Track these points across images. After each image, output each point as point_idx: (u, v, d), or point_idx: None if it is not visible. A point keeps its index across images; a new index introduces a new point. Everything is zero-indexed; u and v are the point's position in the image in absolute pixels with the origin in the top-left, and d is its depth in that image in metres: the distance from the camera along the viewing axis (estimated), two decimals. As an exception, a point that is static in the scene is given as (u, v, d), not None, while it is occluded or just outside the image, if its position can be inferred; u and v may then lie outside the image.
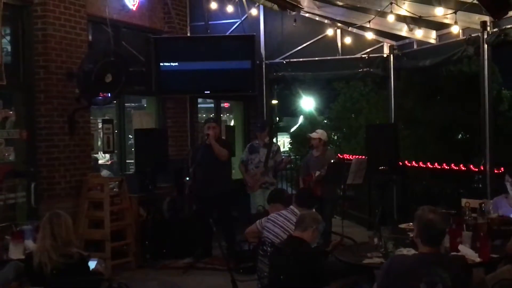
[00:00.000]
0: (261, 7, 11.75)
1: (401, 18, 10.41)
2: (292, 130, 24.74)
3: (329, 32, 11.64)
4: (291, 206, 6.56)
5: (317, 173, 9.43)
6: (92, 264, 5.42)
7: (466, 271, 4.51)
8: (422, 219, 4.35)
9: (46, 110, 8.59)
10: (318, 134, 10.01)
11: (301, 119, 25.15)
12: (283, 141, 25.40)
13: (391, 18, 9.89)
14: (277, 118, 22.70)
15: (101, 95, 8.85)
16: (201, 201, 9.40)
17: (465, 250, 5.56)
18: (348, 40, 11.64)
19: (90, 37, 9.45)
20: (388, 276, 4.38)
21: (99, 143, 10.34)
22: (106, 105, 9.82)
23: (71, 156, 8.84)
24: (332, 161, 9.62)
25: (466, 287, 4.34)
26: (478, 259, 5.41)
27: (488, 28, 9.15)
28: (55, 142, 8.64)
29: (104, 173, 10.50)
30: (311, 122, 20.81)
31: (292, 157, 15.38)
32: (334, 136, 17.61)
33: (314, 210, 6.58)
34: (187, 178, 8.89)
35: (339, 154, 13.56)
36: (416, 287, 4.18)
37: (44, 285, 4.22)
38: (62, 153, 8.71)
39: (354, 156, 12.40)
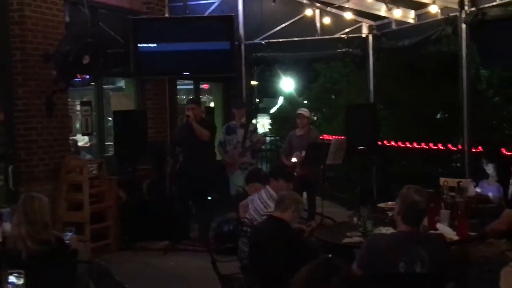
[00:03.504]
0: (240, -13, 11.71)
1: (379, -2, 10.42)
2: (272, 111, 24.69)
3: (308, 12, 11.61)
4: (267, 186, 6.58)
5: (303, 152, 9.41)
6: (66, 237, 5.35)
7: (444, 249, 4.55)
8: (407, 199, 4.40)
9: (24, 92, 8.51)
10: (307, 112, 10.03)
11: (281, 100, 25.10)
12: (263, 123, 25.38)
13: (369, -3, 9.89)
14: (257, 99, 22.67)
15: (79, 77, 8.78)
16: (183, 182, 9.40)
17: (443, 228, 5.60)
18: (327, 20, 11.62)
19: (67, 18, 9.34)
20: (368, 254, 4.42)
21: (78, 125, 10.28)
22: (84, 87, 9.75)
23: (50, 139, 8.77)
24: (311, 142, 9.62)
25: (444, 265, 4.36)
26: (456, 237, 5.46)
27: (466, 8, 9.16)
28: (33, 125, 8.57)
29: (84, 155, 10.43)
30: (291, 103, 20.77)
31: (271, 138, 15.40)
32: (314, 117, 17.61)
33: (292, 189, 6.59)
34: (168, 158, 8.89)
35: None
36: (395, 265, 4.22)
37: (21, 268, 4.19)
38: (40, 136, 8.65)
39: (334, 137, 12.41)
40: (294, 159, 9.45)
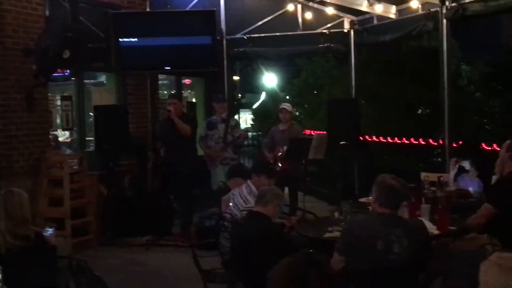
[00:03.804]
0: (222, -19, 11.69)
1: (361, -7, 10.44)
2: (254, 106, 24.71)
3: (290, 7, 11.61)
4: (249, 181, 6.57)
5: (285, 147, 9.41)
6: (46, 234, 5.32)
7: (424, 235, 4.60)
8: (382, 184, 4.53)
9: (3, 87, 8.45)
10: (290, 106, 10.04)
11: (263, 96, 25.15)
12: (246, 118, 25.39)
13: (351, -7, 9.90)
14: (239, 95, 22.68)
15: (60, 71, 8.73)
16: (164, 177, 9.37)
17: (424, 222, 5.61)
18: (308, 15, 11.64)
19: (47, 12, 9.27)
20: (348, 238, 4.50)
21: (58, 120, 10.22)
22: (65, 81, 9.68)
23: (30, 134, 8.72)
24: (293, 137, 9.62)
25: (424, 250, 4.47)
26: (436, 232, 5.47)
27: (447, 3, 9.20)
28: (13, 120, 8.52)
29: (65, 150, 10.37)
30: (273, 99, 20.79)
31: (254, 133, 15.39)
32: (296, 112, 17.63)
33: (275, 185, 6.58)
34: (150, 153, 8.86)
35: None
36: (373, 245, 4.30)
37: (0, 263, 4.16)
38: (20, 131, 8.59)
39: (316, 132, 12.43)
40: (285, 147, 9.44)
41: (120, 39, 10.39)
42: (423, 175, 6.95)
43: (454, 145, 9.49)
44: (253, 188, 6.42)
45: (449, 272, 5.30)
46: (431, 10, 9.48)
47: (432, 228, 5.50)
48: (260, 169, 6.81)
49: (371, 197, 6.33)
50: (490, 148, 9.89)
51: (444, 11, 9.21)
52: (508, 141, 5.70)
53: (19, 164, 8.58)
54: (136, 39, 10.48)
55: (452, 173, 7.52)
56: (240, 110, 22.64)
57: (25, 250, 4.86)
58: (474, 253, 5.26)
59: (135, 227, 9.42)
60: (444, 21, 9.25)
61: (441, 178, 6.72)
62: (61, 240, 6.11)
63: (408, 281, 4.42)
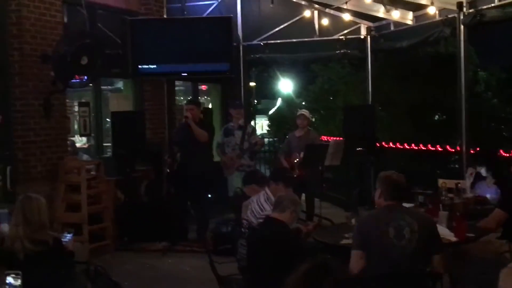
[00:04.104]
0: (239, -12, 11.73)
1: (378, -1, 10.43)
2: (270, 112, 24.71)
3: (307, 13, 11.63)
4: (266, 189, 6.55)
5: (302, 154, 9.40)
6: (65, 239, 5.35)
7: (431, 221, 4.82)
8: (386, 179, 4.74)
9: (21, 93, 8.50)
10: (308, 113, 10.05)
11: (279, 102, 25.13)
12: (262, 124, 25.40)
13: (368, -1, 9.90)
14: (255, 101, 22.69)
15: (77, 77, 8.77)
16: (180, 181, 9.38)
17: (441, 229, 5.59)
18: (325, 21, 11.65)
19: (65, 19, 9.34)
20: (361, 232, 4.63)
21: (76, 126, 10.27)
22: (82, 88, 9.73)
23: (47, 139, 8.76)
24: (309, 143, 9.61)
25: (432, 235, 4.60)
26: (454, 238, 5.45)
27: (464, 9, 9.18)
28: (31, 125, 8.56)
29: (83, 156, 10.41)
30: (289, 105, 20.78)
31: (269, 139, 15.37)
32: (312, 118, 17.60)
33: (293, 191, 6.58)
34: (166, 158, 8.88)
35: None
36: (385, 232, 4.47)
37: (18, 269, 4.18)
38: (38, 136, 8.64)
39: (331, 138, 12.42)
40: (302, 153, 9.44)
41: (137, 46, 10.44)
42: (440, 181, 6.93)
43: (472, 151, 9.44)
44: (271, 195, 6.39)
45: (464, 277, 5.31)
46: (449, 16, 9.47)
47: (449, 235, 5.48)
48: (278, 177, 6.79)
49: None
50: (507, 155, 9.84)
51: (461, 17, 9.19)
52: None
53: (37, 170, 8.62)
54: (153, 46, 10.53)
55: (468, 182, 7.49)
56: (256, 116, 22.66)
57: (43, 255, 4.89)
58: (492, 260, 5.25)
59: (152, 232, 9.43)
60: (462, 27, 9.23)
61: (459, 185, 6.69)
62: (79, 246, 6.14)
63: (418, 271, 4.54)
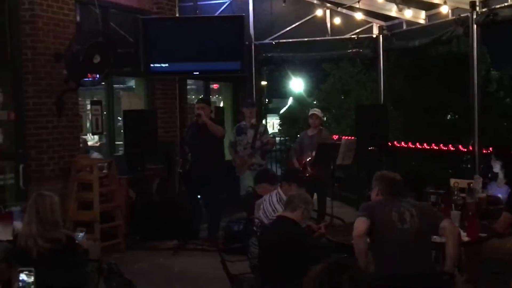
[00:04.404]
0: (251, -13, 11.73)
1: (390, -2, 10.41)
2: (281, 111, 24.69)
3: (319, 12, 11.61)
4: (279, 189, 6.53)
5: (314, 153, 9.40)
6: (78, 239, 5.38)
7: (428, 206, 5.29)
8: (383, 177, 5.04)
9: (34, 92, 8.53)
10: (320, 112, 10.04)
11: (290, 101, 25.11)
12: (273, 123, 25.38)
13: (380, -2, 9.87)
14: (267, 100, 22.66)
15: (89, 76, 8.79)
16: (192, 180, 9.40)
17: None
18: (337, 20, 11.63)
19: (78, 18, 9.37)
20: (367, 209, 4.90)
21: (88, 124, 10.30)
22: (95, 86, 9.77)
23: (60, 138, 8.80)
24: (321, 143, 9.60)
25: (430, 213, 4.91)
26: (466, 238, 5.44)
27: (477, 8, 9.14)
28: (43, 124, 8.60)
29: (94, 155, 10.45)
30: (301, 104, 20.76)
31: (281, 138, 15.34)
32: (323, 117, 17.57)
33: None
34: (178, 157, 8.88)
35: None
36: (389, 214, 4.74)
37: (31, 266, 4.20)
38: (50, 135, 8.67)
39: (343, 137, 12.39)
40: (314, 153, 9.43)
41: (149, 44, 10.47)
42: (452, 181, 6.90)
43: (484, 151, 9.41)
44: (283, 196, 6.38)
45: (477, 277, 5.30)
46: (461, 15, 9.43)
47: (462, 235, 5.46)
48: (291, 178, 6.79)
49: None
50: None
51: (474, 16, 9.15)
52: None
53: (49, 168, 8.66)
54: (165, 45, 10.56)
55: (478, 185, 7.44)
56: (267, 115, 22.63)
57: (56, 253, 4.91)
58: (503, 260, 5.25)
59: (163, 231, 9.45)
60: (475, 26, 9.19)
61: (471, 185, 6.67)
62: (91, 244, 6.15)
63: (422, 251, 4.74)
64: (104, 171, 9.14)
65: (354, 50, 11.58)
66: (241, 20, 10.80)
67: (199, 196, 9.56)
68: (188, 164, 9.72)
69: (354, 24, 11.61)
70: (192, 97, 13.58)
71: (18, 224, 6.03)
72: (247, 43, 11.38)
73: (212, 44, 10.55)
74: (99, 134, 10.62)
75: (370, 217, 4.76)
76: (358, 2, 10.50)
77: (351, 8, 11.30)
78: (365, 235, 4.73)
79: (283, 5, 11.45)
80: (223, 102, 14.21)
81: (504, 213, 5.60)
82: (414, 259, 4.61)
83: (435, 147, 10.92)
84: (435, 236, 4.93)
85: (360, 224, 4.75)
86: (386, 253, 4.68)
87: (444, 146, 10.90)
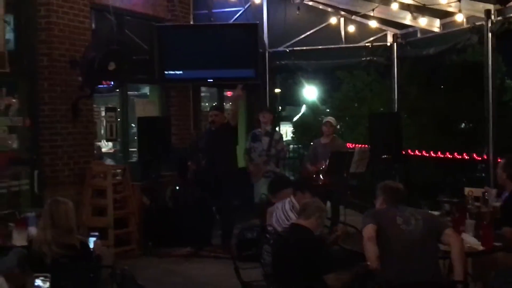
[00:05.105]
0: (265, -5, 11.75)
1: (404, 6, 10.40)
2: (294, 119, 24.68)
3: (333, 20, 11.64)
4: (292, 197, 6.50)
5: (327, 161, 9.39)
6: (90, 242, 5.40)
7: (430, 214, 5.38)
8: (386, 187, 5.22)
9: (49, 98, 8.59)
10: (334, 120, 10.04)
11: (303, 108, 25.10)
12: (286, 130, 25.37)
13: (394, 6, 9.89)
14: (280, 107, 22.67)
15: (104, 83, 8.85)
16: (204, 186, 9.41)
17: (468, 238, 5.55)
18: (351, 28, 11.64)
19: (93, 25, 9.43)
20: (373, 216, 5.02)
21: (102, 131, 10.34)
22: (109, 93, 9.81)
23: (74, 144, 8.84)
24: (334, 151, 9.58)
25: (433, 219, 5.06)
26: (481, 247, 5.41)
27: (492, 17, 9.11)
28: (58, 130, 8.65)
29: (108, 161, 10.49)
30: (314, 112, 20.76)
31: (294, 146, 15.33)
32: (337, 125, 17.54)
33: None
34: (189, 163, 8.89)
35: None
36: (393, 219, 4.87)
37: (45, 272, 4.22)
38: (65, 141, 8.72)
39: (356, 145, 12.38)
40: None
41: (164, 52, 10.52)
42: (467, 190, 6.86)
43: (499, 160, 9.36)
44: (297, 204, 6.36)
45: (491, 286, 5.28)
46: (476, 24, 9.40)
47: (476, 244, 5.44)
48: (305, 187, 6.76)
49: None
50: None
51: (489, 25, 9.12)
52: (503, 160, 5.85)
53: (64, 174, 8.70)
54: (179, 52, 10.61)
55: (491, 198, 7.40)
56: (281, 122, 22.64)
57: (70, 259, 4.93)
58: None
59: (176, 237, 9.46)
60: (489, 35, 9.16)
61: (486, 194, 6.63)
62: (105, 250, 6.17)
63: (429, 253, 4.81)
64: (118, 177, 9.17)
65: (368, 58, 11.58)
66: (255, 28, 10.83)
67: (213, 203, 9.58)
68: (201, 170, 9.74)
69: (368, 32, 11.62)
70: (206, 104, 13.61)
71: (32, 230, 6.06)
72: (261, 50, 11.41)
73: (226, 51, 10.60)
74: (114, 140, 10.66)
75: (376, 222, 4.87)
76: (373, 10, 10.51)
77: (365, 16, 11.31)
78: (374, 239, 4.78)
79: (297, 13, 11.47)
80: (237, 109, 14.21)
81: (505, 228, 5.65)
82: (421, 262, 4.69)
83: (449, 156, 10.89)
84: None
85: (369, 229, 4.86)
86: (393, 256, 4.73)
87: (458, 154, 10.87)
